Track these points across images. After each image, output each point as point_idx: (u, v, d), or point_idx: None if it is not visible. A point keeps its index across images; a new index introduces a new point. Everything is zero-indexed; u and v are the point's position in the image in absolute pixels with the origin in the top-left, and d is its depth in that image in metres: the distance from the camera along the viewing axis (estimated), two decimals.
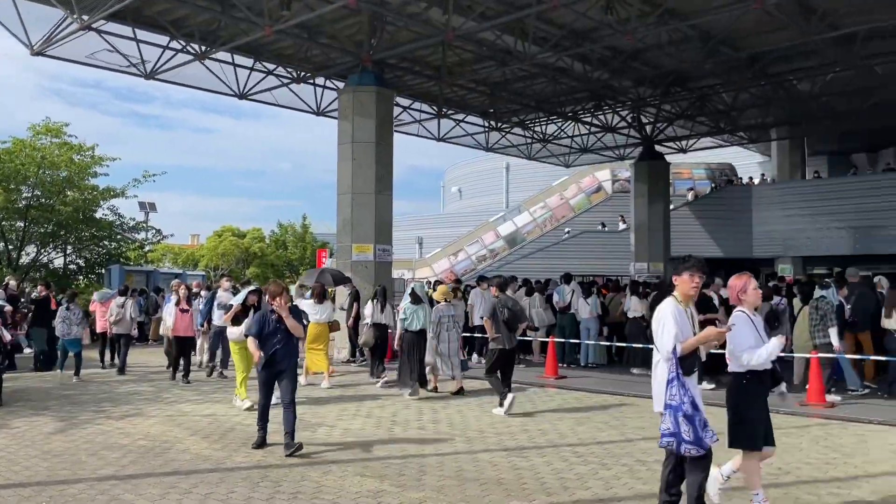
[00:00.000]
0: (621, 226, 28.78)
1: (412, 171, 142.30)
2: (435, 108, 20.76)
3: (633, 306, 13.56)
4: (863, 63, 16.29)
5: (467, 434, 8.10)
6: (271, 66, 17.66)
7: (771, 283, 15.39)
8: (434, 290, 12.49)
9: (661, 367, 4.81)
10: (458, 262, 32.00)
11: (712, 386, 10.51)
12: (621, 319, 14.21)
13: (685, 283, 4.92)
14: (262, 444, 7.21)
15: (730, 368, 5.11)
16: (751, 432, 5.00)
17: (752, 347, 4.95)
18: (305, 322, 9.22)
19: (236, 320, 9.55)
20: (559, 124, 23.41)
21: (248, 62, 17.33)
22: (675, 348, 4.68)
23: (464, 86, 19.08)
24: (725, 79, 18.46)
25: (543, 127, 23.73)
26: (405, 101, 20.27)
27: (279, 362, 7.16)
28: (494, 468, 6.59)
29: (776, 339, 4.97)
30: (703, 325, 5.25)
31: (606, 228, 29.34)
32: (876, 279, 12.63)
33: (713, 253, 27.30)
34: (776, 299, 13.23)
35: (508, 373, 9.60)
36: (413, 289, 11.24)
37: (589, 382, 12.03)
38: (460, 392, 10.85)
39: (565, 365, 13.94)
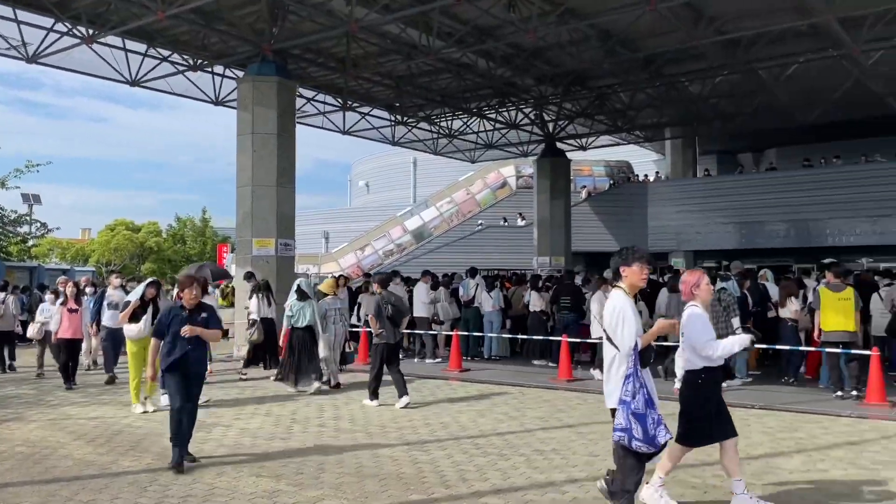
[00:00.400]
0: (520, 222, 29.36)
1: (319, 164, 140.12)
2: (340, 100, 20.50)
3: (533, 300, 13.84)
4: (748, 67, 17.21)
5: (368, 430, 8.04)
6: (166, 53, 16.93)
7: (666, 276, 16.03)
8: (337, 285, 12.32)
9: (618, 363, 4.74)
10: (365, 256, 31.78)
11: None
12: (524, 312, 14.48)
13: (635, 274, 4.84)
14: (179, 463, 6.28)
15: (685, 367, 5.11)
16: (705, 430, 5.03)
17: (712, 340, 4.96)
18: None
19: (134, 317, 9.05)
20: (465, 120, 23.60)
21: (141, 48, 16.56)
22: (636, 344, 4.64)
23: (369, 79, 18.92)
24: (623, 79, 19.09)
25: (449, 122, 23.87)
26: (309, 93, 19.90)
27: (191, 365, 6.44)
28: (394, 463, 6.57)
29: (747, 335, 5.05)
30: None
31: (507, 224, 29.82)
32: (761, 272, 13.42)
33: (611, 247, 28.22)
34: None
35: (395, 364, 9.69)
36: (299, 285, 11.05)
37: (491, 375, 12.20)
38: (337, 386, 11.00)
39: (469, 358, 14.09)
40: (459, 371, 12.49)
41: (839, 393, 9.71)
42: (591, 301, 11.90)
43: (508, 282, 16.70)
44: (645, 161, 34.15)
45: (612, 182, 30.85)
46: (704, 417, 5.03)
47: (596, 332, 11.31)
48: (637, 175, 31.99)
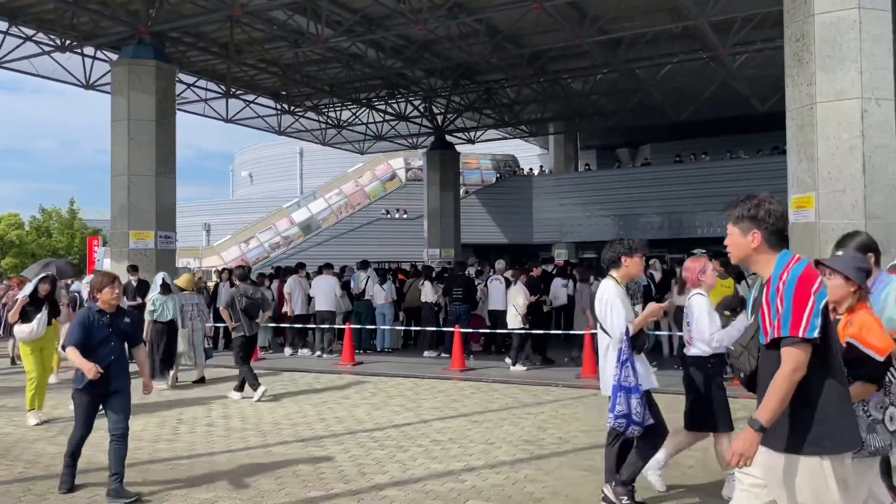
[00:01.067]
0: (397, 215, 29.36)
1: (199, 153, 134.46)
2: (223, 87, 19.73)
3: (426, 292, 13.92)
4: (626, 66, 18.00)
5: (261, 428, 7.82)
6: (30, 32, 15.67)
7: (551, 267, 16.56)
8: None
9: (612, 350, 4.76)
10: (249, 249, 30.80)
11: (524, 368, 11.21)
12: (419, 304, 14.55)
13: (637, 265, 4.92)
14: (71, 487, 5.51)
15: (691, 352, 5.09)
16: (722, 414, 5.03)
17: (719, 329, 4.99)
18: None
19: (25, 316, 8.17)
20: (353, 110, 23.33)
21: (3, 26, 15.25)
22: (627, 329, 4.66)
23: (254, 65, 18.31)
24: (510, 74, 19.47)
25: (338, 113, 23.53)
26: (189, 78, 19.03)
27: (112, 380, 5.42)
28: (290, 460, 6.42)
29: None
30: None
31: (390, 216, 29.74)
32: (651, 261, 14.10)
33: (498, 239, 28.90)
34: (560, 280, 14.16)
35: (248, 359, 9.67)
36: (163, 278, 10.76)
37: (385, 367, 12.18)
38: (202, 381, 10.88)
39: (362, 351, 14.01)
40: (353, 365, 12.40)
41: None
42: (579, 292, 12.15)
43: (403, 274, 16.72)
44: (529, 155, 35.06)
45: (498, 175, 31.47)
46: (714, 404, 5.05)
47: (580, 324, 11.65)
48: (522, 169, 32.80)
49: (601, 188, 27.98)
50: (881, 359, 3.38)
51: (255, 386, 9.34)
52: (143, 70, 14.26)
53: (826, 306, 2.78)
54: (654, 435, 4.80)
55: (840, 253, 3.94)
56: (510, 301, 11.77)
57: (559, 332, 12.83)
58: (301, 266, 14.86)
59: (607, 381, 4.86)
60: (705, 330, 4.98)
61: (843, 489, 2.77)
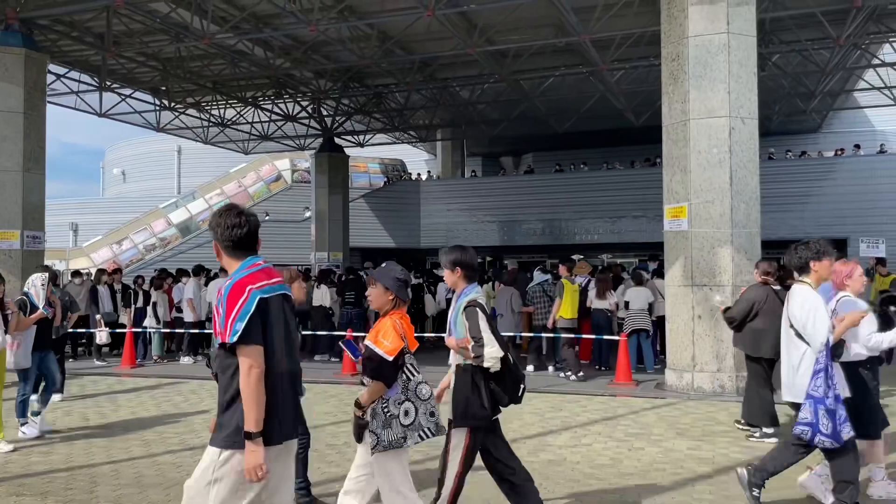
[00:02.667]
0: (306, 213, 28.78)
1: (66, 148, 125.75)
2: (97, 79, 18.64)
3: (319, 296, 13.77)
4: (512, 77, 18.58)
5: (144, 437, 7.49)
6: None
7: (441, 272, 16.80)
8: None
9: (808, 357, 4.67)
10: (122, 251, 29.20)
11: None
12: (306, 308, 14.35)
13: (826, 268, 4.81)
14: None
15: (847, 358, 4.97)
16: (875, 419, 5.02)
17: (874, 332, 4.96)
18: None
19: None
20: (238, 109, 22.67)
21: None
22: (828, 340, 4.58)
23: (132, 58, 17.43)
24: (399, 79, 19.59)
25: (221, 111, 22.78)
26: (60, 69, 17.85)
27: None
28: (178, 470, 6.20)
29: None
30: None
31: (268, 217, 28.98)
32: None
33: (387, 243, 28.93)
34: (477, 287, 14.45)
35: (62, 363, 9.41)
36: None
37: None
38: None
39: None
40: None
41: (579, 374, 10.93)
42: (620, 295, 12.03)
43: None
44: (417, 160, 35.35)
45: (386, 179, 31.52)
46: (874, 406, 5.05)
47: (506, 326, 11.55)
48: (410, 174, 33.01)
49: (486, 195, 28.63)
50: (390, 359, 3.81)
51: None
52: (11, 58, 13.27)
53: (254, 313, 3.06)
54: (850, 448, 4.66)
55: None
56: None
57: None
58: (200, 269, 14.28)
59: (797, 387, 4.79)
60: (863, 332, 4.95)
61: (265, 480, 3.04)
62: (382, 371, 3.84)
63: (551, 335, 11.39)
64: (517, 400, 4.51)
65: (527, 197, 27.76)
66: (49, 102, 17.19)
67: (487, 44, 15.75)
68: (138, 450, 6.93)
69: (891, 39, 17.23)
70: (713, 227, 9.43)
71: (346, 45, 16.02)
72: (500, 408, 4.45)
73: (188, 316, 13.46)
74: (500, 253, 29.43)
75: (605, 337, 11.60)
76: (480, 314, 4.31)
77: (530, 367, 11.34)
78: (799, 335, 4.77)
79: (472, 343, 4.27)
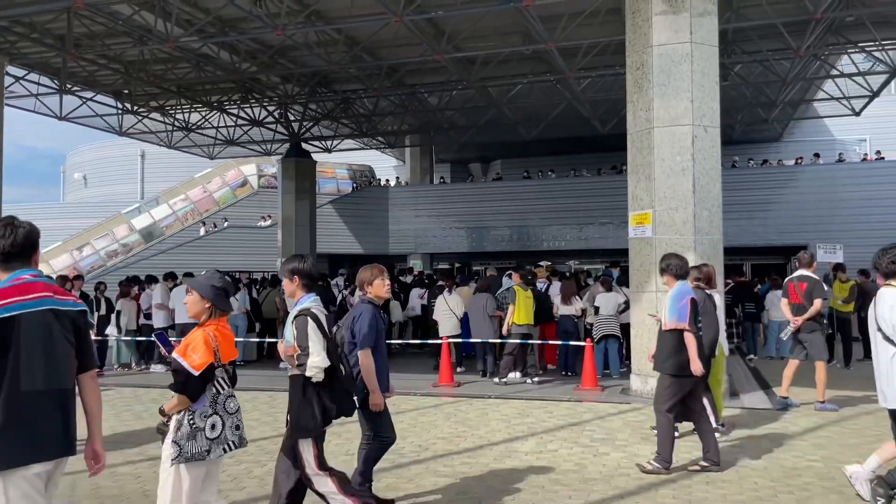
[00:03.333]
0: (265, 223, 28.56)
1: (25, 152, 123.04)
2: (57, 82, 18.26)
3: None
4: (480, 83, 18.64)
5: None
6: None
7: (409, 278, 16.78)
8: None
9: None
10: (83, 257, 28.59)
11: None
12: (276, 315, 14.20)
13: None
14: None
15: None
16: None
17: None
18: None
19: None
20: (203, 113, 22.39)
21: None
22: None
23: (94, 61, 17.11)
24: (367, 85, 19.53)
25: (186, 115, 22.48)
26: (19, 72, 17.44)
27: None
28: (138, 480, 6.07)
29: None
30: None
31: (228, 224, 28.68)
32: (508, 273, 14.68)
33: (355, 249, 28.78)
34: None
35: None
36: None
37: (240, 381, 11.73)
38: None
39: None
40: None
41: (530, 379, 11.08)
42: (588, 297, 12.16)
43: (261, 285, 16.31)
44: (386, 166, 35.29)
45: (355, 185, 31.39)
46: None
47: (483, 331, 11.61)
48: (379, 180, 32.94)
49: (455, 201, 28.68)
50: (196, 374, 3.83)
51: None
52: None
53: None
54: None
55: (204, 274, 4.28)
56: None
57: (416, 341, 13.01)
58: (170, 276, 14.01)
59: (892, 392, 4.80)
60: None
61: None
62: (188, 385, 3.83)
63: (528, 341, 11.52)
64: (348, 412, 4.53)
65: (495, 203, 27.86)
66: (7, 105, 16.82)
67: (455, 50, 15.78)
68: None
69: (849, 51, 17.66)
70: (677, 234, 9.54)
71: (314, 49, 15.92)
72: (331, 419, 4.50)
73: (158, 321, 13.22)
74: (469, 259, 29.49)
75: (572, 343, 11.66)
76: (311, 323, 4.33)
77: (514, 375, 11.28)
78: (888, 338, 4.78)
79: (298, 352, 4.27)
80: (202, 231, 28.15)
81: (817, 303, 8.80)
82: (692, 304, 6.05)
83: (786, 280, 9.61)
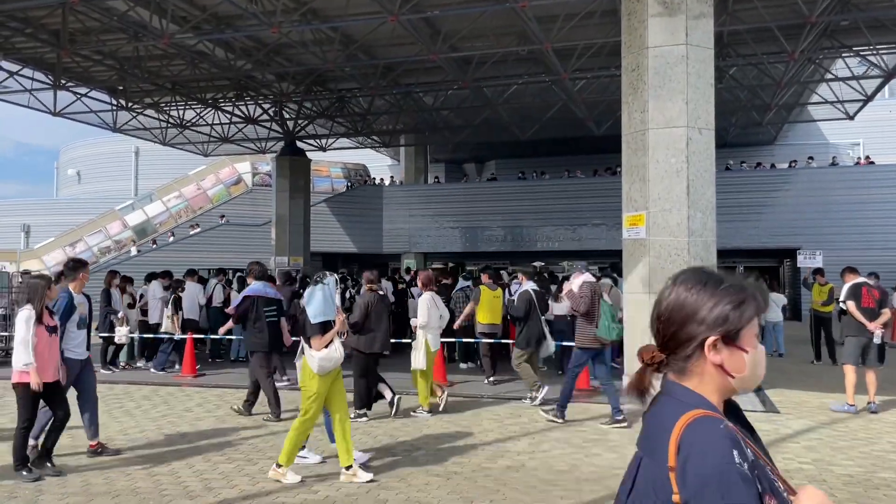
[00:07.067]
0: (221, 220, 28.41)
1: (21, 148, 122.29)
2: (51, 77, 18.17)
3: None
4: (475, 84, 18.63)
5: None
6: None
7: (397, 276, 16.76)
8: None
9: None
10: (76, 253, 28.49)
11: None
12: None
13: None
14: None
15: None
16: None
17: None
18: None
19: None
20: (198, 110, 22.31)
21: None
22: None
23: (88, 57, 17.03)
24: (363, 84, 19.50)
25: (181, 112, 22.39)
26: (13, 66, 17.36)
27: None
28: (128, 478, 6.04)
29: None
30: None
31: (225, 220, 28.62)
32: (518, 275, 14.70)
33: (348, 248, 28.77)
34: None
35: None
36: None
37: (229, 378, 11.73)
38: None
39: (212, 360, 13.57)
40: (194, 376, 11.85)
41: (490, 378, 11.16)
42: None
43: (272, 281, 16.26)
44: (380, 165, 35.27)
45: (349, 184, 31.35)
46: None
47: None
48: (373, 178, 32.92)
49: (449, 201, 28.68)
50: None
51: None
52: None
53: None
54: None
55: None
56: None
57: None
58: (167, 274, 13.93)
59: None
60: None
61: None
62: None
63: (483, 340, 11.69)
64: None
65: (489, 204, 27.88)
66: (1, 100, 16.75)
67: (451, 50, 15.77)
68: (86, 458, 6.73)
69: (843, 55, 17.73)
70: (670, 236, 9.56)
71: (309, 47, 15.89)
72: None
73: (154, 318, 13.15)
74: (463, 259, 29.49)
75: (565, 343, 11.66)
76: None
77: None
78: None
79: None
80: (191, 231, 28.02)
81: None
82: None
83: (859, 284, 9.43)
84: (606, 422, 8.18)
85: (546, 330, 9.94)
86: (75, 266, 7.01)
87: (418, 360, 8.74)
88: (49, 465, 6.19)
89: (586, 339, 8.42)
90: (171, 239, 27.67)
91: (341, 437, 5.91)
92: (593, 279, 8.95)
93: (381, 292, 8.89)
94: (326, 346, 5.93)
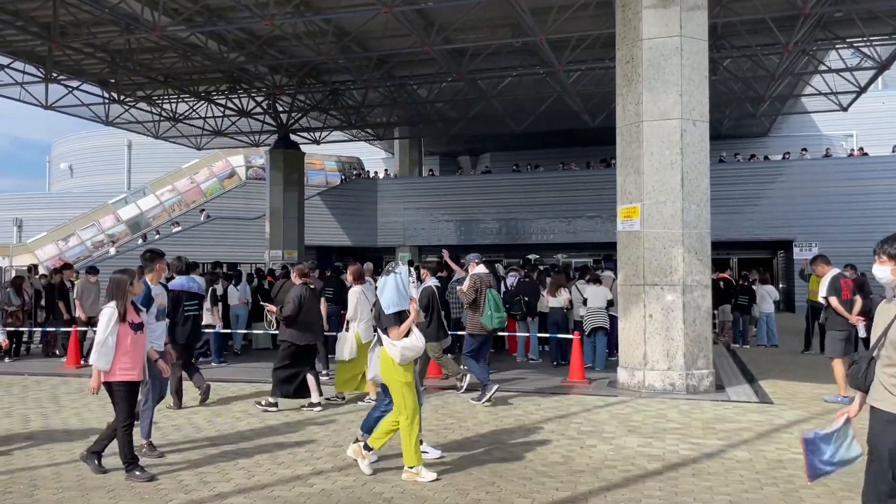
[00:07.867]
0: (201, 218, 28.26)
1: (12, 142, 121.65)
2: (43, 70, 18.06)
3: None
4: (470, 76, 18.61)
5: (89, 438, 7.25)
6: None
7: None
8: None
9: None
10: (69, 247, 28.36)
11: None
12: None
13: None
14: None
15: None
16: None
17: None
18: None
19: None
20: (191, 103, 22.23)
21: None
22: None
23: (80, 49, 16.95)
24: (357, 76, 19.46)
25: (173, 105, 22.30)
26: (4, 59, 17.25)
27: None
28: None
29: None
30: None
31: (210, 217, 28.45)
32: (497, 265, 14.70)
33: (343, 241, 28.73)
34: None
35: None
36: None
37: (225, 372, 11.72)
38: None
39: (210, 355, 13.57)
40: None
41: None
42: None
43: (271, 275, 16.21)
44: (375, 158, 35.19)
45: (343, 177, 31.27)
46: None
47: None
48: (367, 171, 32.84)
49: (444, 194, 28.66)
50: None
51: None
52: None
53: None
54: None
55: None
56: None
57: None
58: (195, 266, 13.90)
59: None
60: None
61: None
62: None
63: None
64: None
65: (484, 196, 27.87)
66: None
67: (445, 42, 15.74)
68: (80, 449, 6.71)
69: (837, 46, 17.75)
70: (665, 228, 9.57)
71: (302, 40, 15.83)
72: None
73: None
74: (457, 252, 29.46)
75: (560, 336, 11.71)
76: None
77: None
78: None
79: None
80: (176, 229, 27.83)
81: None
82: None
83: (837, 277, 9.40)
84: (476, 397, 8.84)
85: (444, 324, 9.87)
86: (152, 257, 6.95)
87: (342, 351, 8.83)
88: (96, 463, 6.05)
89: (474, 326, 9.16)
90: (157, 237, 27.55)
91: (403, 435, 5.79)
92: (486, 271, 9.53)
93: (311, 285, 9.17)
94: (406, 336, 5.87)
